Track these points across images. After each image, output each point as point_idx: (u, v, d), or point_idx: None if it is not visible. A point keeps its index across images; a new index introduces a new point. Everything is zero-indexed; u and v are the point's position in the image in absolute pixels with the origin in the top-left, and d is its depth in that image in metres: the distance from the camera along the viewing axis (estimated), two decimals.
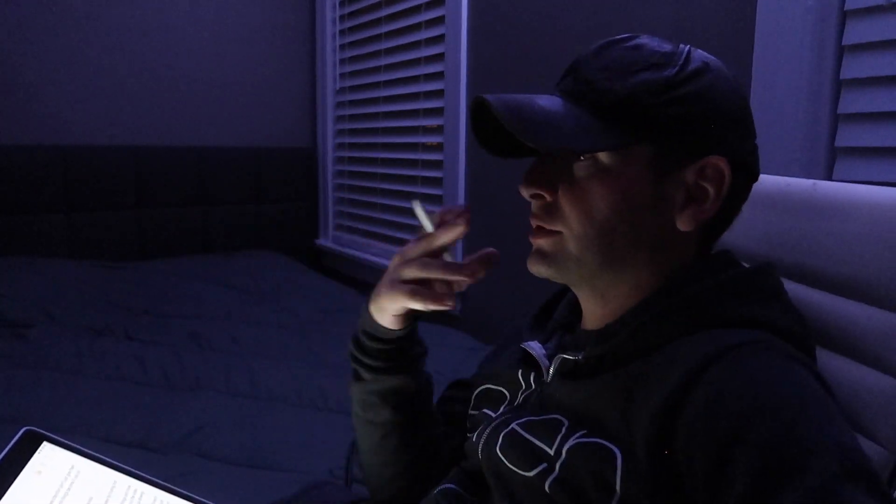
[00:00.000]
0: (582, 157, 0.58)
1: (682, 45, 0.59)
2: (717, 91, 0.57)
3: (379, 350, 0.71)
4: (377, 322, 0.69)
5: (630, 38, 0.59)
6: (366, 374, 0.72)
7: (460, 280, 0.63)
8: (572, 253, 0.59)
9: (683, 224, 0.58)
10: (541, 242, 0.61)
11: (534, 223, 0.61)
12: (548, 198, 0.59)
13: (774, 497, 0.39)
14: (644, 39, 0.59)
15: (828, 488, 0.39)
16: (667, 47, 0.58)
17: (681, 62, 0.57)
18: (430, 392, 0.77)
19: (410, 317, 0.69)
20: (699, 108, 0.56)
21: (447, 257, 0.66)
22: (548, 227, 0.60)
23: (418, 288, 0.64)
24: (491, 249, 0.64)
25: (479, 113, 0.61)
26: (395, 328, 0.69)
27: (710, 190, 0.57)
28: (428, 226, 0.65)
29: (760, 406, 0.44)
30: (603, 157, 0.57)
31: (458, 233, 0.64)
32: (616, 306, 0.60)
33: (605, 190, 0.57)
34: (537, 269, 0.61)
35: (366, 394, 0.73)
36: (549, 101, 0.58)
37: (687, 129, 0.56)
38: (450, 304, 0.63)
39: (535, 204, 0.61)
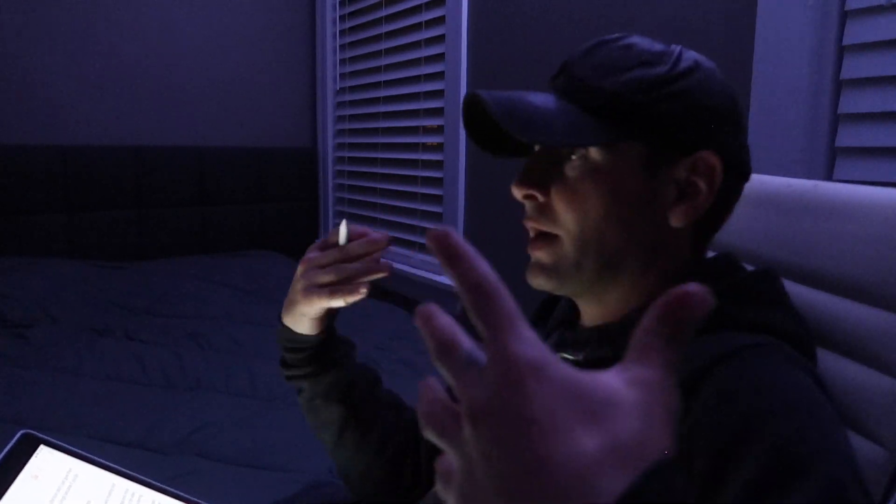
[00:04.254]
0: (573, 156, 0.58)
1: (673, 46, 0.59)
2: (708, 88, 0.57)
3: (304, 358, 0.77)
4: (296, 332, 0.76)
5: (621, 38, 0.59)
6: (303, 384, 0.79)
7: (379, 276, 0.69)
8: (570, 258, 0.58)
9: (676, 220, 0.57)
10: (539, 254, 0.61)
11: (528, 225, 0.61)
12: (540, 198, 0.59)
13: (780, 497, 0.39)
14: (635, 39, 0.59)
15: (835, 492, 0.39)
16: (658, 47, 0.58)
17: (672, 60, 0.57)
18: (372, 382, 0.82)
19: (325, 319, 0.75)
20: (690, 105, 0.56)
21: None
22: (543, 228, 0.60)
23: (336, 287, 0.69)
24: (376, 235, 0.70)
25: (474, 109, 0.62)
26: (314, 333, 0.75)
27: (702, 185, 0.57)
28: (342, 239, 0.71)
29: (769, 408, 0.44)
30: (594, 154, 0.57)
31: (378, 247, 0.70)
32: (615, 307, 0.60)
33: (597, 188, 0.57)
34: (538, 281, 0.61)
35: (309, 399, 0.80)
36: (542, 99, 0.58)
37: (678, 126, 0.56)
38: (364, 291, 0.69)
39: (528, 205, 0.61)
